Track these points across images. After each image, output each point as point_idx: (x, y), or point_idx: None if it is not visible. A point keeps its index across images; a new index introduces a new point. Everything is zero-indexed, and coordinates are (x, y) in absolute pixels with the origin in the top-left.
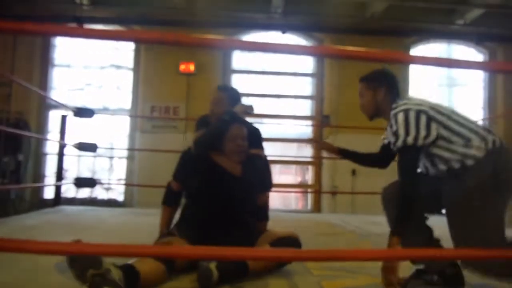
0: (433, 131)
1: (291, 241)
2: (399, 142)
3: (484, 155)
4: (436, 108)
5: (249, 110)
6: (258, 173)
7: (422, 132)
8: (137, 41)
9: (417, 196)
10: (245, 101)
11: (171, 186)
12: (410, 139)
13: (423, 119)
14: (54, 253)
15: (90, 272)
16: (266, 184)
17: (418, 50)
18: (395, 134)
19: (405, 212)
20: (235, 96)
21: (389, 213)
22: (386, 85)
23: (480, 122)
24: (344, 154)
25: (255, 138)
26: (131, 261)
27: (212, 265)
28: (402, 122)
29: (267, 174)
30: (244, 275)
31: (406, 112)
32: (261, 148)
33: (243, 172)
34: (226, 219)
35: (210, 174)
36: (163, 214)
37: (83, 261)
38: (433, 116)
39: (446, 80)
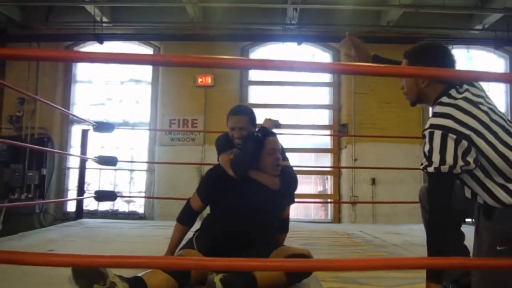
0: (472, 160)
1: (303, 258)
2: (431, 169)
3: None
4: (487, 125)
5: (277, 124)
6: (292, 185)
7: (460, 162)
8: (166, 64)
9: (448, 228)
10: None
11: (190, 204)
12: (445, 168)
13: (464, 145)
14: (54, 265)
15: (95, 287)
16: (293, 196)
17: None
18: (428, 157)
19: (436, 246)
20: (253, 115)
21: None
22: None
23: None
24: (377, 60)
25: (281, 150)
26: (141, 273)
27: (217, 279)
28: (438, 146)
29: (296, 185)
30: None
31: (444, 134)
32: (287, 159)
33: (281, 185)
34: (257, 235)
35: (251, 192)
36: (175, 233)
37: (88, 275)
38: (478, 143)
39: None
